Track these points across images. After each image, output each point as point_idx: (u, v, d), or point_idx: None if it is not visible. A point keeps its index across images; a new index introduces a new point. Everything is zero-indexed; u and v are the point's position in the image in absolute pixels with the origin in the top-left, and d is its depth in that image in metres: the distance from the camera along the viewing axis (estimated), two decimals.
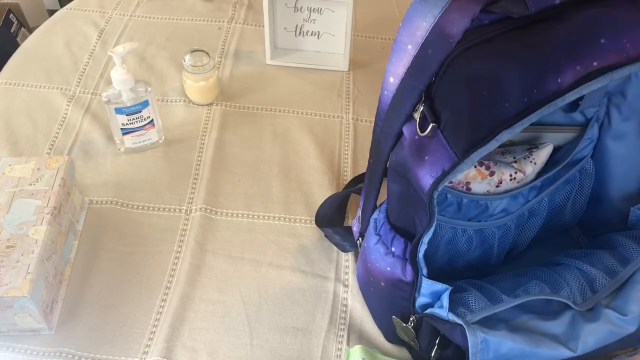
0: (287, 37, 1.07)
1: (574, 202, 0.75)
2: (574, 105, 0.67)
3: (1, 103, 0.99)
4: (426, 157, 0.51)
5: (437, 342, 0.63)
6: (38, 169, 0.77)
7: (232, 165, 0.91)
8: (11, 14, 1.63)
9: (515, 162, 0.65)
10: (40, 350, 0.70)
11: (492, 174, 0.63)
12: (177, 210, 0.85)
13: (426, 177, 0.52)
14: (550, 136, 0.69)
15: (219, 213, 0.85)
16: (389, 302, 0.66)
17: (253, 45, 1.12)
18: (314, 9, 1.02)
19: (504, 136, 0.47)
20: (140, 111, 0.87)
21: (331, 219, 0.84)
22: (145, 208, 0.85)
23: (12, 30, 1.63)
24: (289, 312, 0.75)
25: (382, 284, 0.65)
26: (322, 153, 0.93)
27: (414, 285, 0.61)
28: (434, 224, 0.55)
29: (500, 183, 0.64)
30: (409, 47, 0.50)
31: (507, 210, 0.66)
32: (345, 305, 0.76)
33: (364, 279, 0.72)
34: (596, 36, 0.48)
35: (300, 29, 1.06)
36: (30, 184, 0.75)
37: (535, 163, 0.65)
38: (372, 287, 0.70)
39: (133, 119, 0.87)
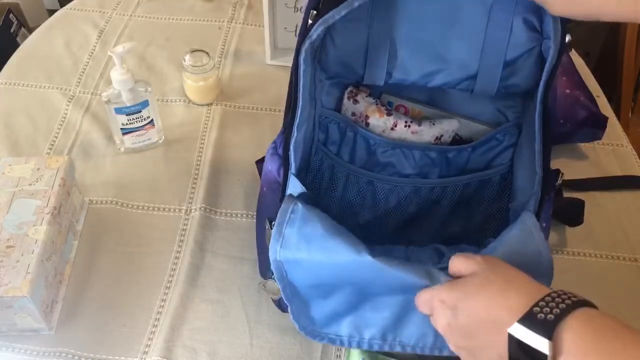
0: (287, 37, 1.07)
1: (490, 206, 0.73)
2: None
3: (1, 103, 0.99)
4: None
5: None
6: (38, 169, 0.77)
7: (232, 165, 0.91)
8: (11, 14, 1.63)
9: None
10: (40, 350, 0.70)
11: (389, 114, 0.67)
12: (177, 210, 0.85)
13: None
14: (468, 125, 0.71)
15: (218, 213, 0.85)
16: (266, 211, 0.65)
17: (253, 45, 1.12)
18: None
19: None
20: (140, 111, 0.87)
21: None
22: (145, 208, 0.85)
23: (12, 30, 1.63)
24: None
25: (264, 188, 0.66)
26: None
27: (284, 185, 0.61)
28: (301, 104, 0.59)
29: (395, 126, 0.67)
30: None
31: (394, 166, 0.69)
32: None
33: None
34: None
35: None
36: (30, 184, 0.75)
37: (433, 124, 0.68)
38: (259, 203, 0.71)
39: (133, 119, 0.87)
